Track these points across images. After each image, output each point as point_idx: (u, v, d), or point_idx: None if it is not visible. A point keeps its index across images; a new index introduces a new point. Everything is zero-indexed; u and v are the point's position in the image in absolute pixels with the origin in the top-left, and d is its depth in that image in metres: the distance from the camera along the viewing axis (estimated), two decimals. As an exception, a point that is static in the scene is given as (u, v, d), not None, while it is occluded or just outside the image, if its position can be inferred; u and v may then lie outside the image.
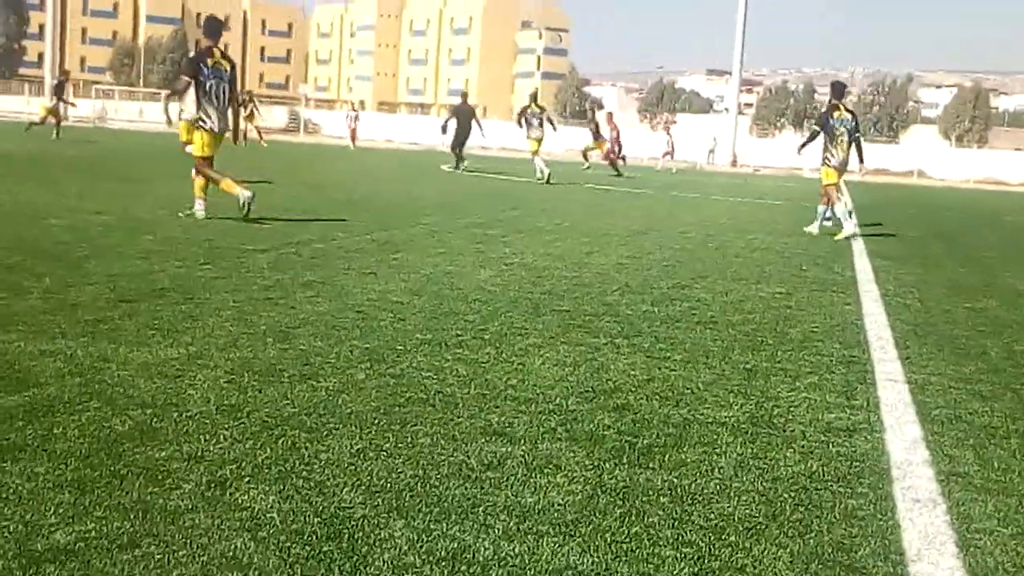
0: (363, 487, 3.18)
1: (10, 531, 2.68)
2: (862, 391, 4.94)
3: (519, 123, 25.68)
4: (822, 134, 14.32)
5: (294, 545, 2.72)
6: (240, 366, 4.57)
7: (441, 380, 4.59)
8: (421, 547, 2.76)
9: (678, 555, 2.83)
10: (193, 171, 11.14)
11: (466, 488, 3.23)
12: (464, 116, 27.25)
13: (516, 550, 2.78)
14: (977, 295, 8.81)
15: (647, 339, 5.86)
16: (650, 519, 3.08)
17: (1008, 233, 18.63)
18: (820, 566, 2.84)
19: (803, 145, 15.80)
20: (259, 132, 36.63)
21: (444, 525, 2.92)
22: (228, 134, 11.18)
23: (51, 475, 3.09)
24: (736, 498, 3.31)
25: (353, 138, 44.79)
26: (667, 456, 3.70)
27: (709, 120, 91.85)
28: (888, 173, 56.17)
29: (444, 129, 28.10)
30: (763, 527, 3.08)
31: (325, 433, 3.70)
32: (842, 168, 14.28)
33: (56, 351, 4.60)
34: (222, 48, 11.13)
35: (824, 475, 3.62)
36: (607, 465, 3.55)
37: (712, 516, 3.14)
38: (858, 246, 12.77)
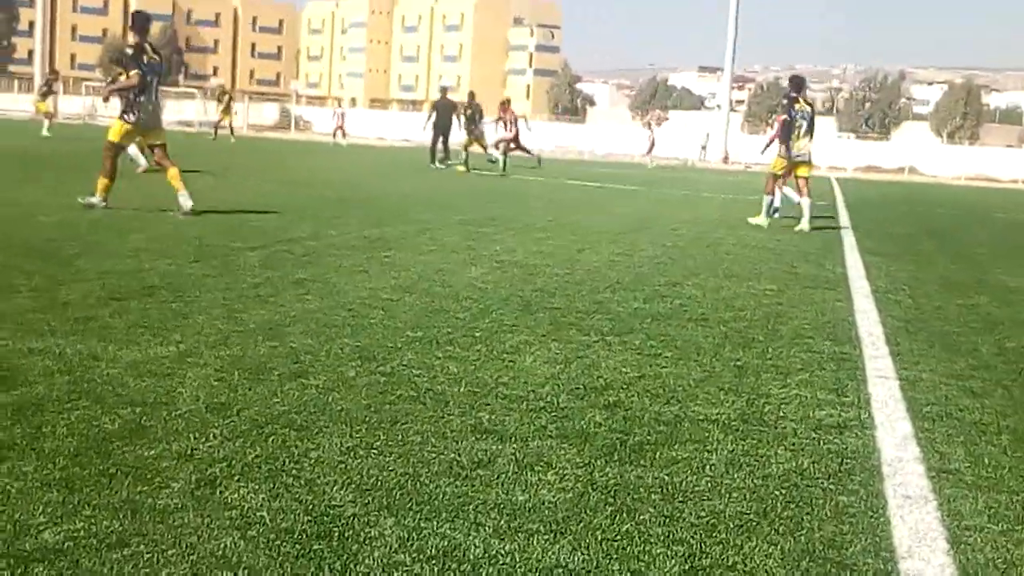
0: (353, 485, 3.17)
1: (-2, 531, 2.67)
2: (853, 388, 4.95)
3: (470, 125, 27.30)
4: (782, 129, 14.77)
5: (284, 543, 2.71)
6: (230, 364, 4.56)
7: (432, 378, 4.58)
8: (411, 545, 2.76)
9: (669, 553, 2.83)
10: (167, 162, 11.04)
11: (456, 486, 3.22)
12: (444, 110, 27.54)
13: (507, 548, 2.78)
14: (968, 291, 8.83)
15: (638, 336, 5.86)
16: (641, 517, 3.08)
17: (999, 229, 18.67)
18: (811, 563, 2.84)
19: (767, 146, 16.93)
20: (231, 128, 38.35)
21: (434, 523, 2.91)
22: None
23: (40, 474, 3.08)
24: (727, 495, 3.31)
25: (343, 133, 44.97)
26: (658, 453, 3.70)
27: (701, 117, 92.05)
28: (880, 170, 56.37)
29: (425, 127, 28.43)
30: (754, 524, 3.08)
31: (315, 431, 3.69)
32: (794, 161, 14.50)
33: (45, 349, 4.58)
34: (151, 42, 11.35)
35: (815, 472, 3.62)
36: (598, 463, 3.55)
37: (703, 513, 3.14)
38: (849, 242, 12.80)
